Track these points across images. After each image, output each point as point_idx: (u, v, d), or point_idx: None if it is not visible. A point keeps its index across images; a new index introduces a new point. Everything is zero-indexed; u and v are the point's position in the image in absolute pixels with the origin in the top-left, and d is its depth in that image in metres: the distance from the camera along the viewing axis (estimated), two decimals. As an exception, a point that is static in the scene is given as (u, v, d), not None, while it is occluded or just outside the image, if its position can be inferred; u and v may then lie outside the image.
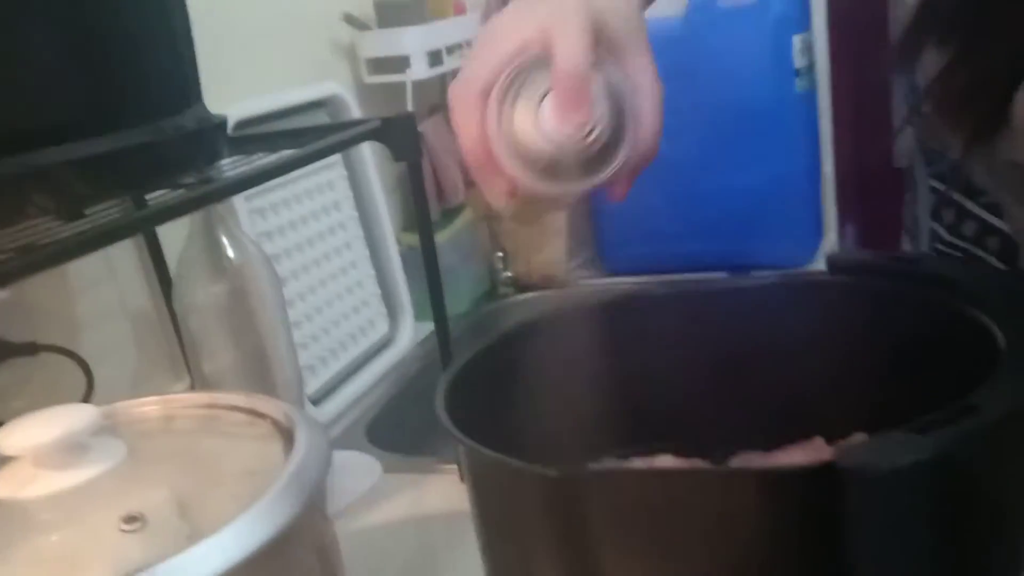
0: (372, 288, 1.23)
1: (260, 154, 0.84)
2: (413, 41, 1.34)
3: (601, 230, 1.46)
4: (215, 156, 0.73)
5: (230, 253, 0.89)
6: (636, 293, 0.51)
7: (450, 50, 1.47)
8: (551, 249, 1.46)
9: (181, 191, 0.68)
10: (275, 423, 0.56)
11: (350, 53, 1.33)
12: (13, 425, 0.51)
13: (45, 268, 0.53)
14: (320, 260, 1.15)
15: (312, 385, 1.07)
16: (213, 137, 0.72)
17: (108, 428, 0.57)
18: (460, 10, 1.56)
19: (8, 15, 0.60)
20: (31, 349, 0.77)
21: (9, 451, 0.49)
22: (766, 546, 0.33)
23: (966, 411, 0.32)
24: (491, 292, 1.47)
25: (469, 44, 1.55)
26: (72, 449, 0.50)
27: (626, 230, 1.40)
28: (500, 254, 1.46)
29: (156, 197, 0.71)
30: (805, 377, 0.47)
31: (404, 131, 0.89)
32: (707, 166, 1.31)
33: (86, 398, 0.79)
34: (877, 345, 0.43)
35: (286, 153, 0.79)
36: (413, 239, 1.36)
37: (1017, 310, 0.37)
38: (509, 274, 1.47)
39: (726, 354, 0.48)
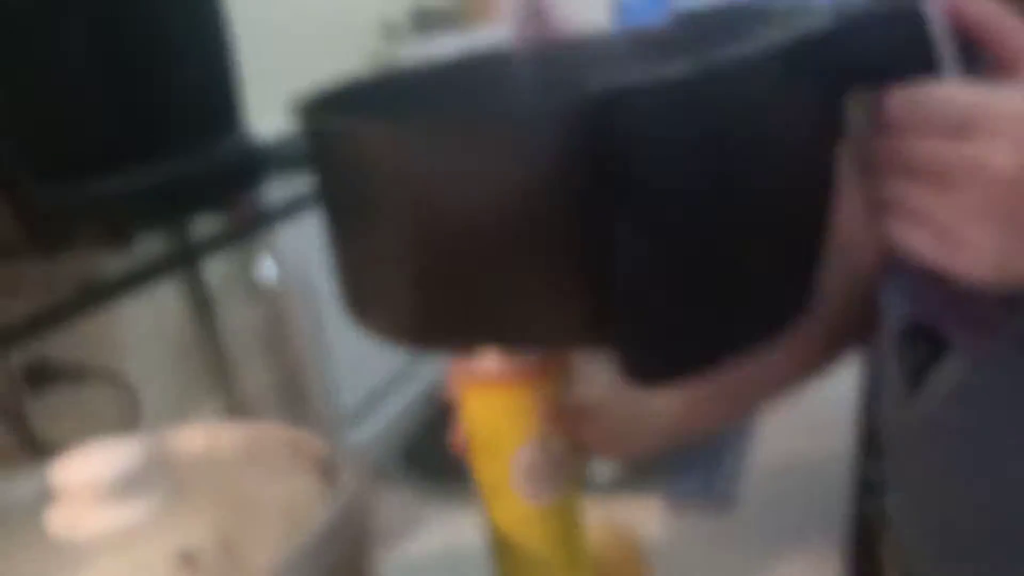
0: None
1: (301, 172, 0.85)
2: (450, 49, 1.35)
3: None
4: (257, 181, 0.74)
5: (268, 275, 0.91)
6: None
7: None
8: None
9: (224, 221, 0.70)
10: (317, 459, 0.56)
11: (387, 62, 1.34)
12: (68, 459, 0.52)
13: (101, 305, 0.54)
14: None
15: (346, 405, 1.08)
16: (255, 163, 0.73)
17: (156, 459, 0.58)
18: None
19: (58, 50, 0.62)
20: (79, 372, 0.78)
21: (64, 486, 0.51)
22: (541, 196, 0.36)
23: (733, 54, 0.35)
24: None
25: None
26: (125, 485, 0.51)
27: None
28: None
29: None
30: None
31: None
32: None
33: (131, 422, 0.81)
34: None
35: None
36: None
37: None
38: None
39: None
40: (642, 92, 0.34)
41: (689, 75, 0.35)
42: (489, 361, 0.59)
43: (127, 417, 0.81)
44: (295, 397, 0.92)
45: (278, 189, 0.80)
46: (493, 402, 0.59)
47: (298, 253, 1.06)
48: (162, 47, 0.66)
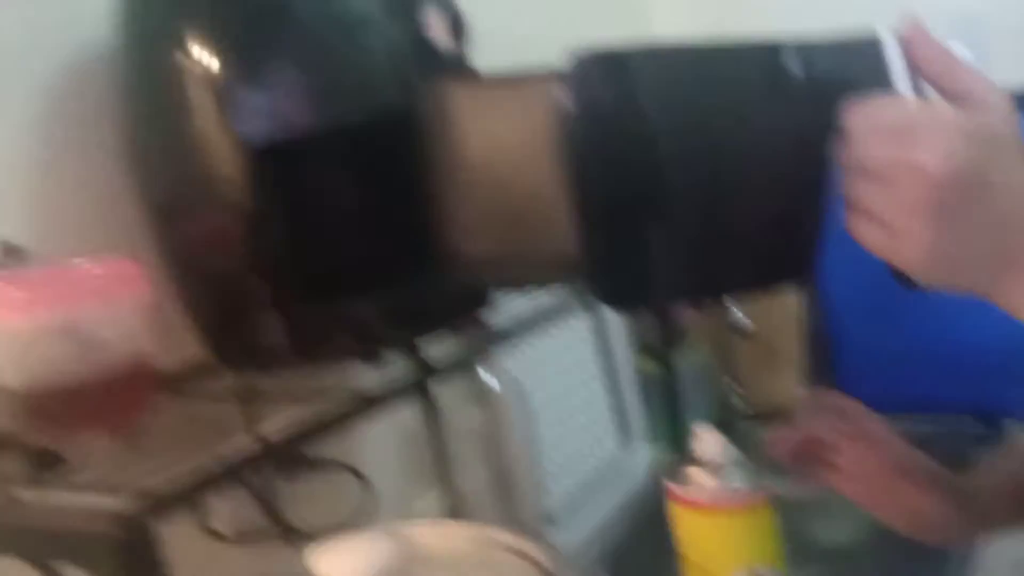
0: (604, 409, 1.28)
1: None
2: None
3: (841, 363, 1.45)
4: (487, 302, 0.81)
5: (488, 380, 0.98)
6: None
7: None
8: (784, 377, 1.46)
9: (459, 346, 0.77)
10: (542, 569, 0.61)
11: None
12: (325, 550, 0.60)
13: (365, 415, 0.62)
14: (556, 380, 1.22)
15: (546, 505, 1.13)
16: (482, 291, 0.80)
17: (400, 555, 0.64)
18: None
19: (328, 193, 0.72)
20: (322, 464, 0.87)
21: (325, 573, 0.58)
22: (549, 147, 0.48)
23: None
24: (722, 420, 1.47)
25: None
26: (375, 577, 0.58)
27: (867, 366, 1.39)
28: (731, 381, 1.48)
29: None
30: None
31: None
32: (956, 307, 1.28)
33: (365, 512, 0.89)
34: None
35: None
36: (645, 363, 1.41)
37: None
38: (741, 402, 1.48)
39: None
40: (635, 55, 0.45)
41: (681, 46, 0.47)
42: (706, 486, 0.62)
43: (363, 505, 0.89)
44: (507, 496, 0.98)
45: (502, 311, 0.86)
46: (708, 526, 0.62)
47: (516, 364, 1.13)
48: (409, 187, 0.74)
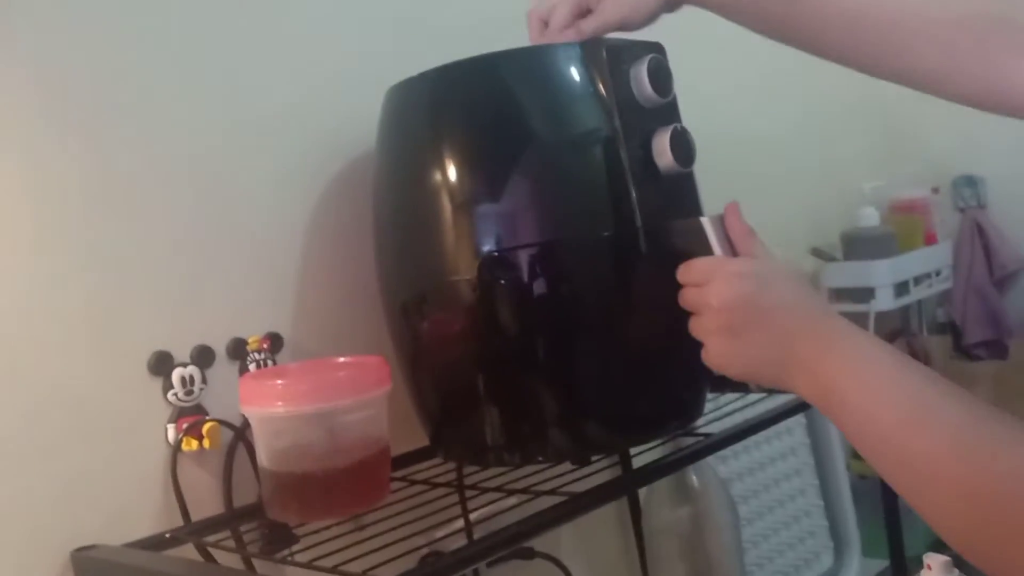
0: (819, 519, 1.24)
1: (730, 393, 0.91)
2: (881, 273, 1.38)
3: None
4: (698, 414, 0.82)
5: (694, 481, 0.98)
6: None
7: (917, 280, 1.48)
8: None
9: (667, 450, 0.79)
10: None
11: (812, 283, 1.39)
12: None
13: (568, 515, 0.65)
14: (769, 486, 1.20)
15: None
16: (698, 399, 0.81)
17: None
18: (931, 240, 1.56)
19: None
20: (529, 554, 0.91)
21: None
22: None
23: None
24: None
25: (938, 273, 1.55)
26: None
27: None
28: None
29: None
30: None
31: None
32: None
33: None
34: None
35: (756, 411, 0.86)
36: (864, 467, 1.35)
37: None
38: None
39: None
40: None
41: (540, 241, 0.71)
42: None
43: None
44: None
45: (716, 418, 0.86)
46: None
47: (727, 469, 1.13)
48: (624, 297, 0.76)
